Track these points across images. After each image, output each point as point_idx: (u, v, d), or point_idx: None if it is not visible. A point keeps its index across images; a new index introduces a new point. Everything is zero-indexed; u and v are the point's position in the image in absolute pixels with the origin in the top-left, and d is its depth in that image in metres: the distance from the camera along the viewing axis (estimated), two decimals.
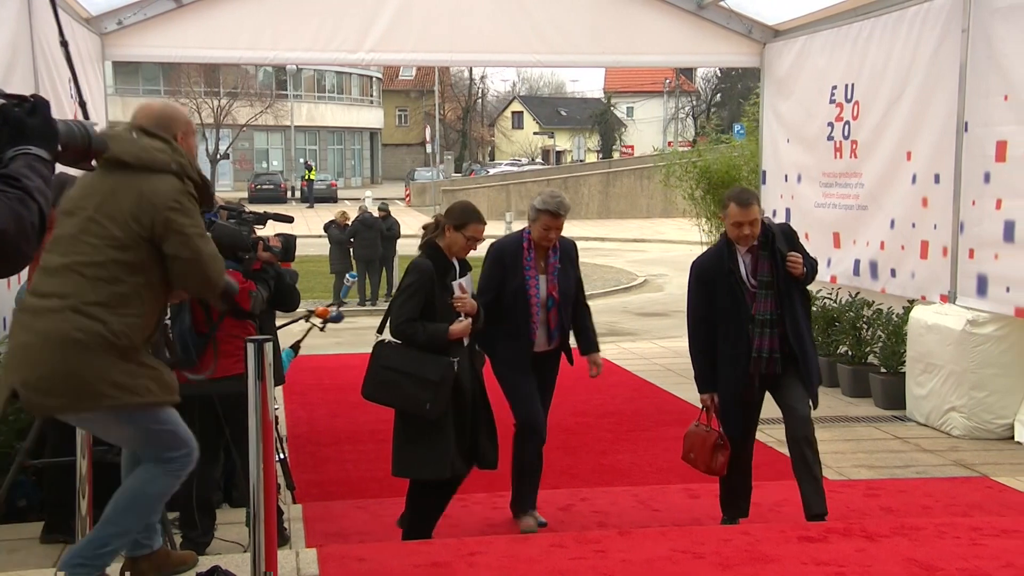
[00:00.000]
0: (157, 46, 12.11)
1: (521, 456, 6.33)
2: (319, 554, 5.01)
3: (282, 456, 7.11)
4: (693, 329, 6.24)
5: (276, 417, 7.10)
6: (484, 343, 6.25)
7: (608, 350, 13.75)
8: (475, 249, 5.89)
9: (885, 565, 4.90)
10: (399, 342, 5.75)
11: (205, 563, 4.48)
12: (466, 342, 5.93)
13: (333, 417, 10.19)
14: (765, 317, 5.90)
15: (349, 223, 20.37)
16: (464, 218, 5.83)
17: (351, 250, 20.34)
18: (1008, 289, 9.09)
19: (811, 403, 6.11)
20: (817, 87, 12.35)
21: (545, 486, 7.37)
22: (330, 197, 49.73)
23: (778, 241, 6.03)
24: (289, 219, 6.55)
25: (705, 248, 13.68)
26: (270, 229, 6.17)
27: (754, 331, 5.88)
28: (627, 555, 5.04)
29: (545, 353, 6.51)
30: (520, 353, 6.40)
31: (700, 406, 6.30)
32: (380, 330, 5.85)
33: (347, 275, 18.15)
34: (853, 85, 11.58)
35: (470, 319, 5.79)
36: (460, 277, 5.97)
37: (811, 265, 6.21)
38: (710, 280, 6.05)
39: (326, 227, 20.78)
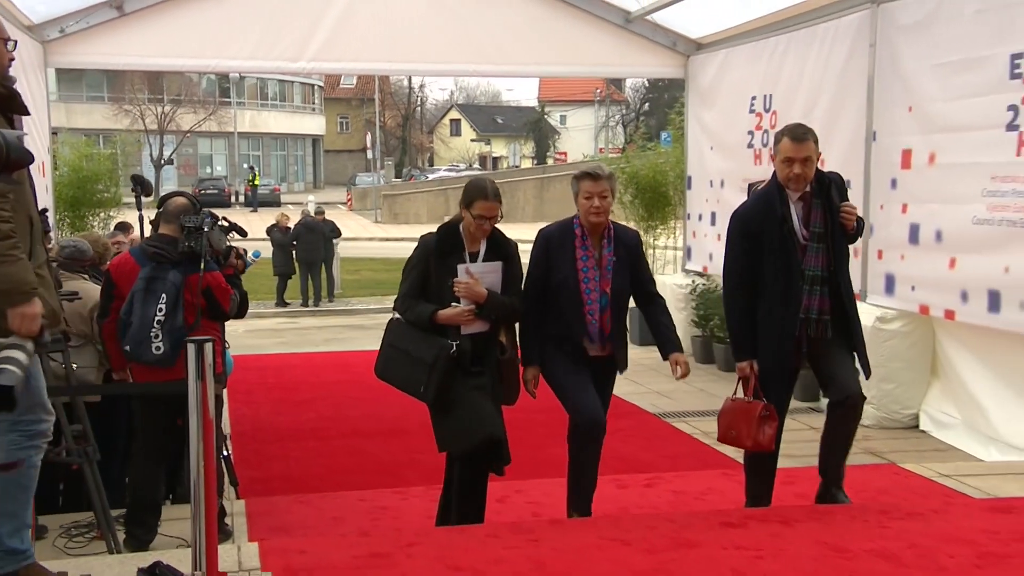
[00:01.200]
0: (100, 54, 12.09)
1: (579, 455, 5.53)
2: (260, 547, 4.93)
3: (226, 453, 7.08)
4: (733, 288, 5.40)
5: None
6: (532, 349, 5.54)
7: None
8: (487, 232, 5.32)
9: (799, 548, 4.95)
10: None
11: (148, 558, 4.41)
12: (468, 331, 5.28)
13: (277, 415, 10.18)
14: (816, 273, 5.13)
15: (290, 226, 20.32)
16: (470, 196, 5.29)
17: (294, 252, 20.25)
18: (913, 288, 9.31)
19: (864, 374, 5.50)
20: (737, 97, 12.57)
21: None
22: (274, 201, 49.54)
23: (833, 190, 5.29)
24: (244, 232, 6.43)
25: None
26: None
27: (804, 288, 5.13)
28: (558, 543, 5.04)
29: (596, 359, 5.56)
30: (572, 356, 5.49)
31: (737, 376, 5.49)
32: (395, 308, 5.53)
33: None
34: (771, 96, 11.79)
35: (470, 307, 5.20)
36: (484, 261, 5.39)
37: (860, 222, 5.52)
38: (756, 231, 5.21)
39: (268, 231, 20.70)
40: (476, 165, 67.67)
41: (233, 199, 51.78)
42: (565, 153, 64.71)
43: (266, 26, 11.85)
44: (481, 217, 5.19)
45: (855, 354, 5.42)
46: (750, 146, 12.49)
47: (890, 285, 9.69)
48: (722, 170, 13.07)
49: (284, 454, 8.52)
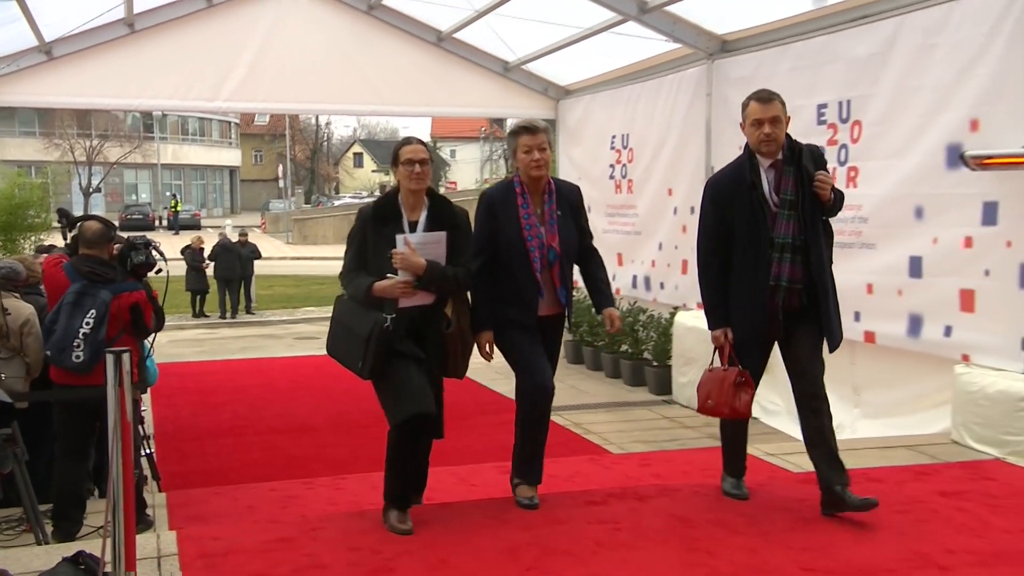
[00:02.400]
0: (31, 93, 11.82)
1: (527, 418, 4.92)
2: (178, 535, 4.82)
3: (149, 451, 7.06)
4: (705, 257, 4.72)
5: (142, 417, 7.17)
6: (483, 313, 4.83)
7: None
8: (422, 177, 4.59)
9: (651, 521, 4.98)
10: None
11: (72, 548, 4.29)
12: (404, 305, 4.56)
13: (196, 416, 9.98)
14: (786, 241, 4.44)
15: (204, 247, 20.03)
16: (395, 149, 4.65)
17: (213, 270, 20.00)
18: None
19: (829, 346, 4.74)
20: (600, 136, 12.70)
21: (378, 469, 6.93)
22: (194, 225, 48.68)
23: (805, 158, 4.57)
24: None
25: None
26: None
27: (773, 256, 4.45)
28: (446, 524, 5.02)
29: (548, 317, 4.91)
30: (524, 317, 4.80)
31: (712, 345, 4.86)
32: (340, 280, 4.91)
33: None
34: (628, 135, 11.95)
35: (407, 279, 4.47)
36: (426, 231, 4.63)
37: (838, 193, 4.74)
38: (727, 199, 4.56)
39: (182, 251, 20.27)
40: (377, 192, 68.25)
41: (157, 223, 50.93)
42: (455, 183, 65.41)
43: (185, 69, 11.69)
44: (409, 162, 4.50)
45: (824, 335, 4.71)
46: (611, 177, 12.58)
47: None
48: (589, 197, 12.63)
49: (203, 451, 8.40)
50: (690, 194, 10.50)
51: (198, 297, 20.07)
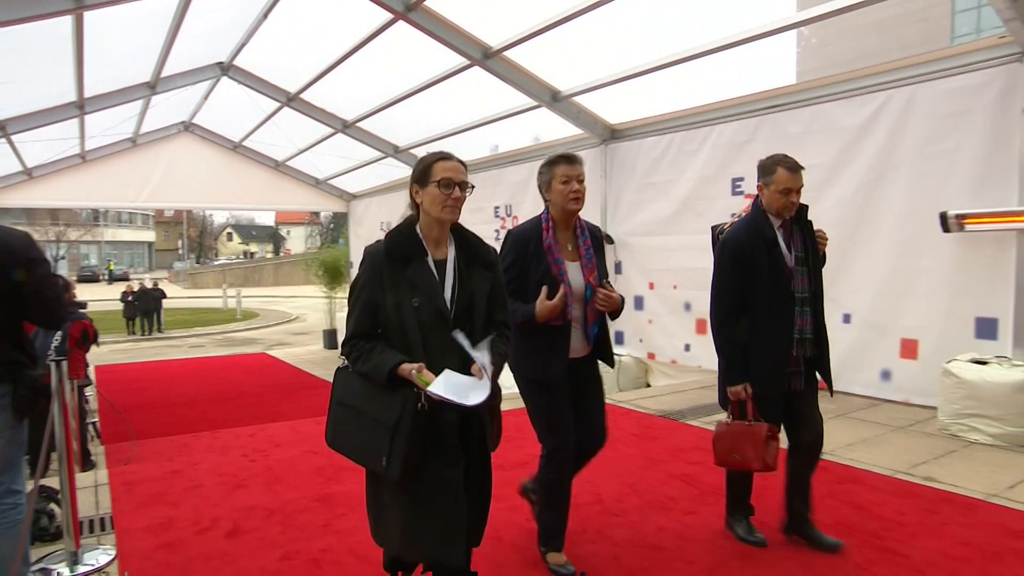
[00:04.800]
0: (18, 200, 12.25)
1: (549, 482, 3.14)
2: (109, 472, 4.80)
3: (94, 420, 7.37)
4: (726, 314, 3.29)
5: (87, 398, 7.16)
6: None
7: (276, 352, 14.93)
8: (458, 205, 2.39)
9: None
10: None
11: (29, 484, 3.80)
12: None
13: (125, 396, 9.59)
14: (804, 295, 3.32)
15: (135, 290, 21.19)
16: (425, 165, 2.42)
17: (136, 305, 21.08)
18: None
19: (830, 392, 3.43)
20: (375, 222, 13.81)
21: (232, 423, 6.95)
22: (123, 278, 49.45)
23: (805, 215, 3.40)
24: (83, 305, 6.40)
25: (327, 295, 14.21)
26: None
27: (795, 310, 3.29)
28: (278, 461, 5.06)
29: (580, 360, 3.17)
30: (555, 362, 3.07)
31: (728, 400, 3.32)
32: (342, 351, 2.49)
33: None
34: (390, 222, 11.51)
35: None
36: (457, 271, 2.44)
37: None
38: (748, 255, 3.27)
39: (121, 296, 21.53)
40: (242, 256, 72.03)
41: (100, 277, 52.76)
42: (289, 250, 70.43)
43: (119, 182, 12.39)
44: (447, 184, 2.35)
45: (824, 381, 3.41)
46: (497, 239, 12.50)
47: None
48: None
49: (130, 419, 7.25)
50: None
51: (130, 322, 21.09)
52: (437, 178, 2.35)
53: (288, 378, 11.73)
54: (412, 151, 11.31)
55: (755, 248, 3.25)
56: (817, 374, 3.35)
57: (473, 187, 2.40)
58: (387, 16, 7.26)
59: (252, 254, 75.80)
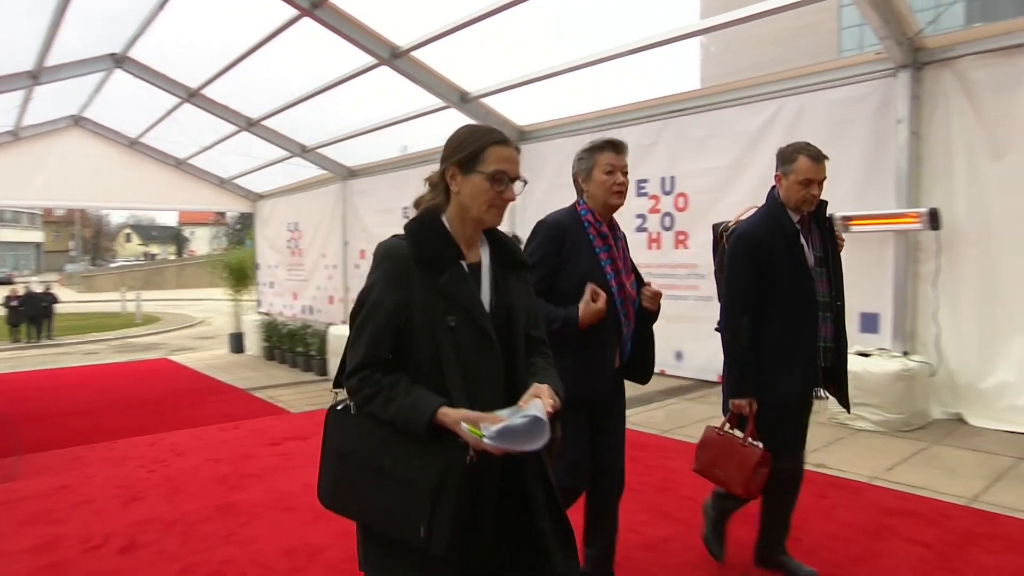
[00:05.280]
0: None
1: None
2: None
3: None
4: (739, 317, 2.79)
5: None
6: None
7: (179, 357, 14.29)
8: (507, 203, 1.75)
9: (311, 449, 4.90)
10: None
11: None
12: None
13: (8, 407, 8.90)
14: (825, 299, 2.84)
15: (21, 294, 19.88)
16: (479, 142, 1.74)
17: (22, 311, 19.88)
18: None
19: (847, 408, 2.98)
20: (281, 223, 13.62)
21: (130, 432, 6.33)
22: (7, 281, 45.71)
23: (824, 212, 2.92)
24: None
25: (238, 303, 13.65)
26: None
27: (819, 316, 2.82)
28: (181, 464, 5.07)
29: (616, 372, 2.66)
30: (603, 374, 2.61)
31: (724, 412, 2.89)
32: (336, 383, 1.80)
33: None
34: (298, 222, 12.94)
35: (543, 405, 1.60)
36: (492, 276, 1.79)
37: None
38: (766, 253, 2.77)
39: (5, 300, 20.11)
40: (141, 258, 68.62)
41: None
42: (194, 251, 67.73)
43: (3, 178, 11.63)
44: (499, 177, 1.73)
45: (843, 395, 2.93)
46: (288, 245, 13.26)
47: None
48: (278, 259, 13.96)
49: (14, 432, 6.42)
50: (336, 255, 11.45)
51: (14, 328, 19.83)
52: (490, 168, 1.72)
53: (192, 384, 11.33)
54: (320, 151, 11.09)
55: (774, 243, 2.80)
56: (821, 391, 2.88)
57: (526, 182, 1.74)
58: (293, 12, 7.10)
59: (153, 256, 72.53)
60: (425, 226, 1.74)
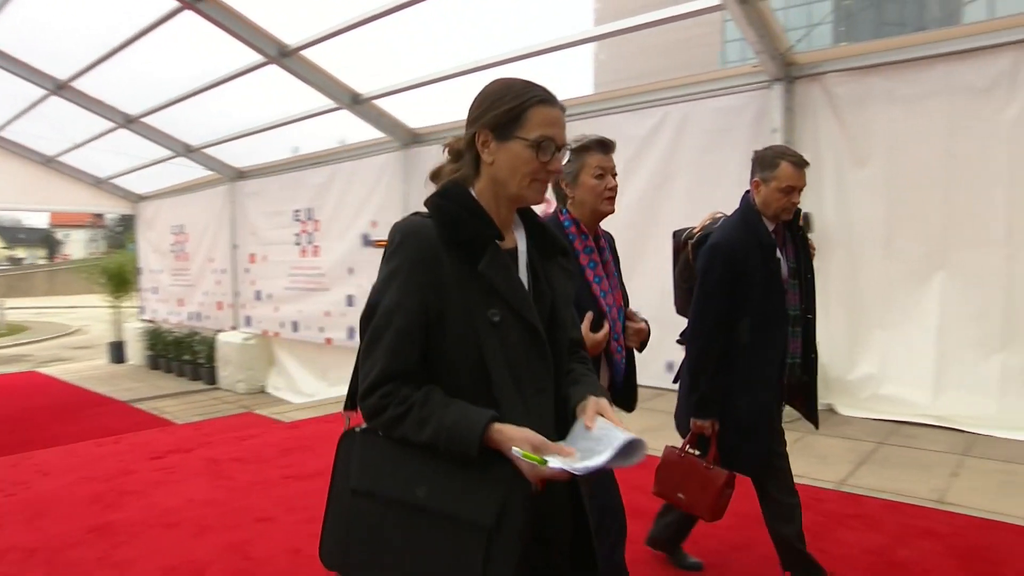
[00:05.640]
0: None
1: None
2: None
3: None
4: (712, 335, 2.63)
5: None
6: None
7: (50, 370, 13.58)
8: (551, 176, 1.39)
9: (193, 464, 4.76)
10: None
11: None
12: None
13: None
14: (796, 313, 2.72)
15: None
16: (518, 101, 1.37)
17: None
18: (260, 322, 10.68)
19: (815, 425, 2.88)
20: (166, 226, 13.22)
21: (33, 446, 6.04)
22: None
23: (798, 220, 2.77)
24: None
25: (135, 310, 13.36)
26: None
27: (788, 331, 2.70)
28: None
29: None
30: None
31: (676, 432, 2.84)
32: (349, 404, 1.42)
33: None
34: (183, 225, 12.58)
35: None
36: (528, 257, 1.45)
37: None
38: (741, 263, 2.60)
39: None
40: (6, 263, 64.01)
41: None
42: (67, 255, 63.46)
43: None
44: (545, 144, 1.36)
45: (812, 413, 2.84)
46: (173, 249, 12.90)
47: (248, 321, 10.96)
48: (161, 263, 13.43)
49: None
50: (222, 260, 11.16)
51: None
52: (533, 133, 1.36)
53: (64, 397, 10.78)
54: (206, 151, 10.66)
55: (749, 254, 2.61)
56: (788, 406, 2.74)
57: (570, 151, 1.45)
58: (174, 4, 6.79)
59: (20, 260, 67.04)
60: (454, 201, 1.37)
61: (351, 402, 1.41)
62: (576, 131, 5.92)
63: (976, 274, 5.21)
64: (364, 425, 1.35)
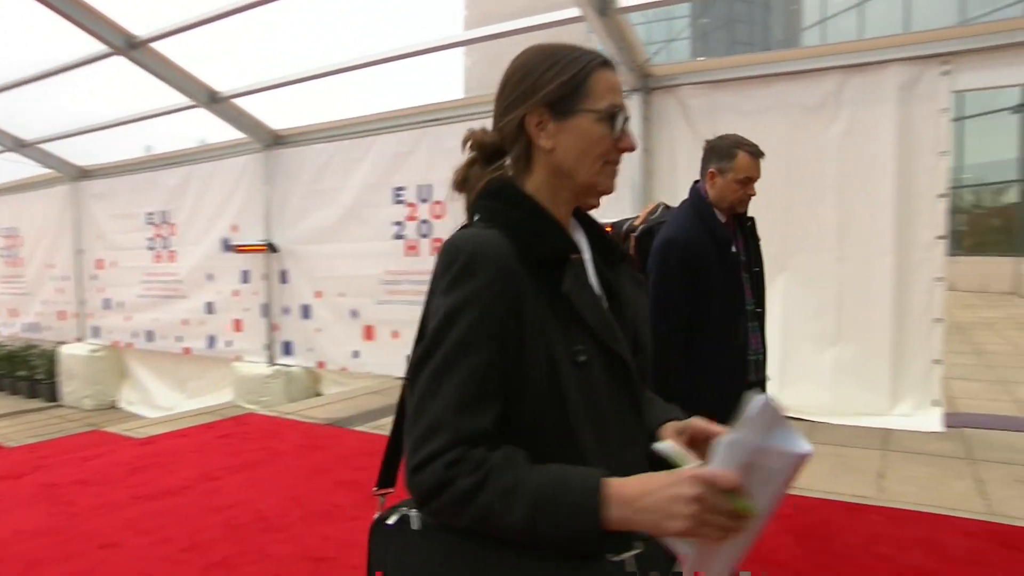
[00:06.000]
0: None
1: None
2: None
3: None
4: (672, 332, 2.52)
5: None
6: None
7: None
8: (628, 150, 1.10)
9: (25, 489, 4.37)
10: (444, 526, 0.94)
11: None
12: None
13: None
14: (751, 307, 2.65)
15: None
16: (578, 66, 1.08)
17: None
18: (110, 332, 10.06)
19: None
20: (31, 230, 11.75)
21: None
22: None
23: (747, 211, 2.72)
24: None
25: None
26: None
27: (747, 326, 2.64)
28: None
29: None
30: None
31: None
32: (383, 481, 1.13)
33: None
34: (16, 228, 11.44)
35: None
36: (594, 264, 1.15)
37: None
38: (697, 260, 2.53)
39: None
40: None
41: None
42: None
43: None
44: (612, 112, 1.09)
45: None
46: (3, 256, 11.80)
47: (96, 332, 10.31)
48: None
49: None
50: (66, 267, 10.43)
51: None
52: (603, 102, 1.08)
53: None
54: (42, 147, 9.84)
55: (704, 249, 2.49)
56: None
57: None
58: None
59: None
60: (520, 207, 1.06)
61: (388, 478, 1.11)
62: (441, 136, 6.34)
63: (812, 276, 5.67)
64: (404, 510, 1.02)
